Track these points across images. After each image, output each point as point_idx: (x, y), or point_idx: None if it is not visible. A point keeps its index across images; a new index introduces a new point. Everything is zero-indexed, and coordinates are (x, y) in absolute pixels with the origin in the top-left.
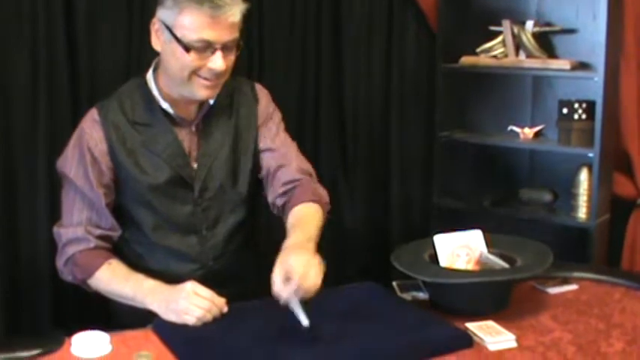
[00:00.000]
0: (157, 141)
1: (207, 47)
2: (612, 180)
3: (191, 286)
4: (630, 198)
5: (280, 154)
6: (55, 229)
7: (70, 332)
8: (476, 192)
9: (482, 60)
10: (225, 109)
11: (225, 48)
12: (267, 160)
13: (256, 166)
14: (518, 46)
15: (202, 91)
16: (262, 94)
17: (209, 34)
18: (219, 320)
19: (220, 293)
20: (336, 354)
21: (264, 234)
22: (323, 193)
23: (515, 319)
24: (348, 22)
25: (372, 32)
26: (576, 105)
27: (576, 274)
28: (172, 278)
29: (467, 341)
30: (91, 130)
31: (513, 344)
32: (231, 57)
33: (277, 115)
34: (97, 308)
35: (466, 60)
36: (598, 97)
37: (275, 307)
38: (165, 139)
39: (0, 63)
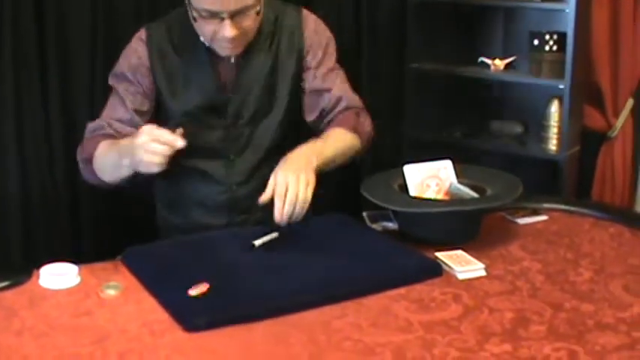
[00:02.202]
0: (195, 68)
1: (213, 16)
2: (583, 112)
3: (143, 136)
4: (600, 130)
5: (326, 85)
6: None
7: (39, 264)
8: (446, 123)
9: None
10: (267, 36)
11: (236, 15)
12: (312, 88)
13: (297, 90)
14: None
15: (226, 51)
16: (310, 19)
17: (212, 4)
18: (188, 250)
19: (244, 219)
20: (301, 282)
21: None
22: (366, 125)
23: (484, 249)
24: None
25: None
26: (547, 36)
27: (546, 205)
28: (199, 200)
29: (436, 270)
30: (136, 46)
31: (482, 273)
32: (247, 21)
33: (326, 43)
34: (66, 241)
35: None
36: (569, 29)
37: (248, 236)
38: (202, 68)
39: None
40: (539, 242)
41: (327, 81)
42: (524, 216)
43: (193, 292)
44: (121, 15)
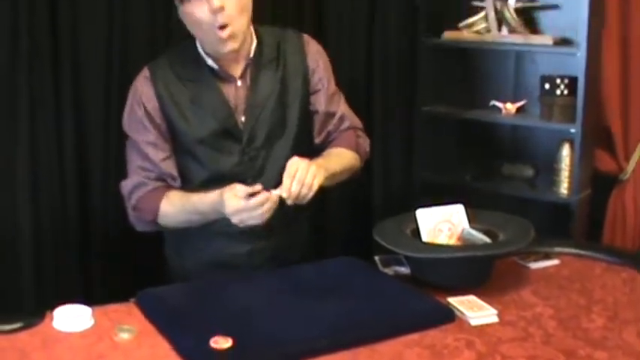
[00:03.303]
0: (203, 95)
1: None
2: (594, 155)
3: (230, 209)
4: (611, 173)
5: (332, 108)
6: (121, 188)
7: (50, 305)
8: (458, 166)
9: (465, 35)
10: (272, 61)
11: None
12: (318, 123)
13: (306, 112)
14: (501, 21)
15: (222, 44)
16: (311, 44)
17: None
18: (202, 293)
19: (264, 245)
20: (314, 327)
21: None
22: (365, 145)
23: (496, 294)
24: None
25: (354, 4)
26: (558, 80)
27: (558, 249)
28: (221, 229)
29: (449, 316)
30: (142, 87)
31: (495, 319)
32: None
33: (328, 66)
34: (76, 283)
35: (449, 35)
36: (580, 73)
37: (261, 281)
38: (211, 94)
39: None
40: (552, 287)
41: (333, 104)
42: (535, 260)
43: (216, 345)
44: (135, 52)
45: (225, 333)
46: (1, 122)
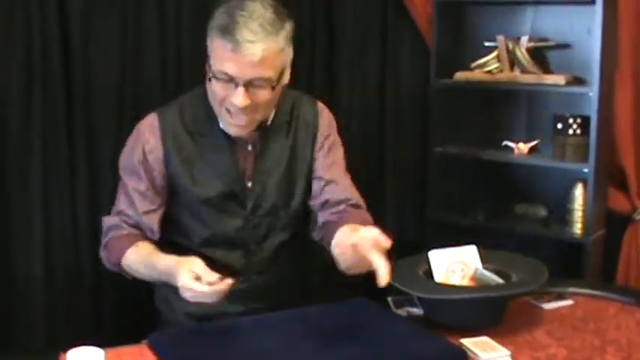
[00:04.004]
0: (212, 154)
1: (229, 80)
2: (607, 195)
3: (182, 283)
4: (625, 213)
5: (332, 183)
6: (103, 220)
7: (64, 348)
8: (470, 206)
9: (477, 75)
10: (284, 126)
11: (250, 85)
12: (318, 187)
13: (308, 188)
14: (513, 61)
15: (231, 128)
16: (325, 112)
17: (230, 68)
18: (213, 336)
19: (259, 307)
20: None
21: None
22: (370, 222)
23: (510, 335)
24: (341, 36)
25: (366, 46)
26: (571, 120)
27: (571, 290)
28: None
29: (462, 357)
30: (148, 135)
31: None
32: (261, 95)
33: (335, 142)
34: (89, 324)
35: (461, 75)
36: (593, 112)
37: (274, 322)
38: (221, 154)
39: None
40: (565, 328)
41: (334, 173)
42: (549, 301)
43: None
44: (147, 85)
45: None
46: (15, 169)
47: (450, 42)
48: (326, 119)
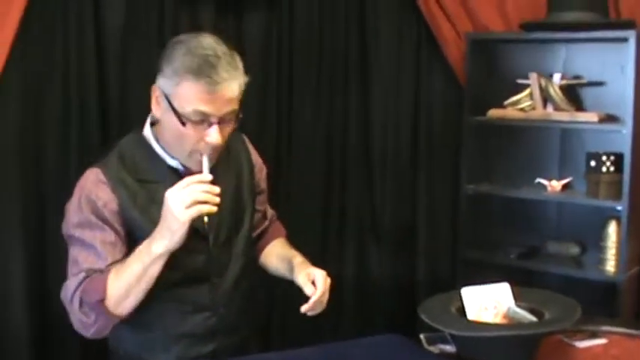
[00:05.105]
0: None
1: (203, 120)
2: None
3: (172, 192)
4: None
5: (263, 206)
6: (62, 290)
7: None
8: (503, 244)
9: (510, 113)
10: (224, 158)
11: (222, 121)
12: (258, 210)
13: (253, 209)
14: (546, 98)
15: (196, 165)
16: (248, 142)
17: (205, 107)
18: None
19: (229, 341)
20: None
21: None
22: (283, 229)
23: None
24: (375, 74)
25: (399, 85)
26: (604, 157)
27: (605, 328)
28: (187, 331)
29: None
30: (97, 191)
31: None
32: (228, 129)
33: (261, 167)
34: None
35: (494, 113)
36: (626, 150)
37: (307, 356)
38: None
39: (33, 101)
40: None
41: (265, 203)
42: (582, 339)
43: None
44: None
45: None
46: (52, 194)
47: (483, 79)
48: (251, 147)
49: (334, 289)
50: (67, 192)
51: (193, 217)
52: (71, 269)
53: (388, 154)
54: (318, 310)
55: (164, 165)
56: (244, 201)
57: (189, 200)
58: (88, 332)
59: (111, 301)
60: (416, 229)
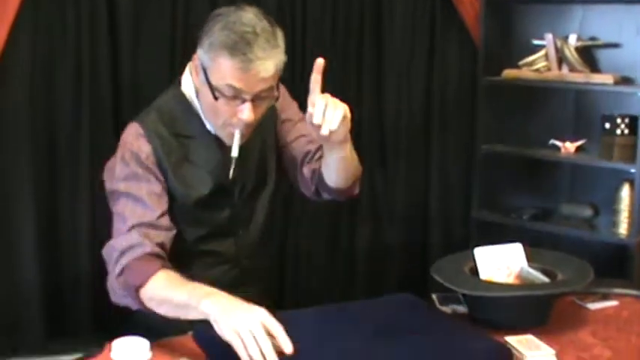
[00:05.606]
0: (200, 153)
1: (236, 96)
2: None
3: (260, 314)
4: None
5: (299, 138)
6: (105, 247)
7: (111, 337)
8: (515, 206)
9: (525, 73)
10: None
11: (256, 98)
12: (291, 152)
13: (280, 162)
14: (561, 60)
15: (228, 139)
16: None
17: (238, 84)
18: None
19: (247, 292)
20: None
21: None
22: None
23: (554, 334)
24: (389, 35)
25: (414, 44)
26: (619, 120)
27: (617, 291)
28: (210, 282)
29: (507, 355)
30: (138, 144)
31: (553, 359)
32: (263, 107)
33: (284, 103)
34: (137, 313)
35: (508, 73)
36: None
37: (319, 317)
38: (209, 152)
39: (46, 74)
40: (610, 329)
41: (302, 129)
42: (594, 301)
43: None
44: None
45: None
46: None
47: (498, 40)
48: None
49: (348, 247)
50: (78, 146)
51: (225, 339)
52: (117, 225)
53: (402, 116)
54: (334, 125)
55: (200, 123)
56: (267, 153)
57: (245, 335)
58: (113, 298)
59: (146, 295)
60: (429, 190)
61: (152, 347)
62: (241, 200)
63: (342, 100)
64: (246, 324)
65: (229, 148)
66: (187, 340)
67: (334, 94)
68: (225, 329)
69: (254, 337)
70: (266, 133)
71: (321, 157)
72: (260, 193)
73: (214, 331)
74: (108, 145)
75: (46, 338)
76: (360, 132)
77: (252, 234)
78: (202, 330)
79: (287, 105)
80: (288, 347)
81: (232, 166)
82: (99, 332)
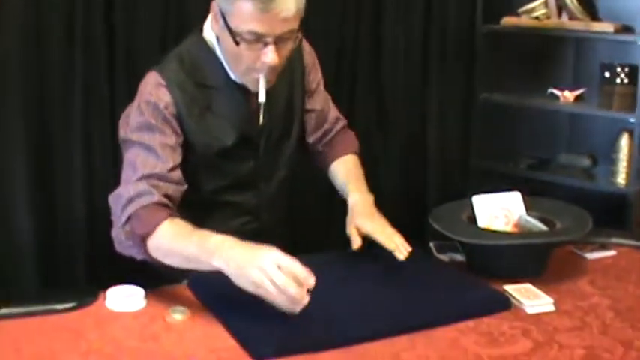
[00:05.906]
0: (224, 103)
1: (257, 40)
2: None
3: (271, 258)
4: None
5: (320, 105)
6: (112, 195)
7: (105, 286)
8: (514, 154)
9: (524, 21)
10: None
11: (279, 41)
12: (316, 109)
13: (303, 113)
14: (561, 7)
15: (252, 85)
16: (304, 42)
17: (260, 27)
18: None
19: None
20: (369, 312)
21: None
22: (356, 141)
23: (553, 283)
24: None
25: None
26: (618, 69)
27: (615, 240)
28: (227, 232)
29: (505, 303)
30: (158, 93)
31: (551, 308)
32: (287, 49)
33: (318, 64)
34: (130, 263)
35: (507, 20)
36: None
37: (318, 263)
38: (233, 102)
39: (37, 37)
40: (608, 278)
41: (326, 101)
42: (592, 250)
43: None
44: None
45: (281, 314)
46: (57, 110)
47: None
48: (307, 46)
49: None
50: (71, 93)
51: (249, 291)
52: (126, 174)
53: (400, 63)
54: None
55: (224, 71)
56: (295, 107)
57: (268, 286)
58: (118, 247)
59: (152, 244)
60: (426, 138)
61: (147, 295)
62: (266, 153)
63: (339, 44)
64: (264, 274)
65: (254, 99)
66: (183, 288)
67: (330, 39)
68: (245, 284)
69: (276, 285)
70: (294, 90)
71: (327, 143)
72: (284, 143)
73: (210, 280)
74: (102, 103)
75: (41, 287)
76: (355, 77)
77: (272, 187)
78: (198, 279)
79: (316, 64)
80: (310, 280)
81: (261, 112)
82: (94, 282)
